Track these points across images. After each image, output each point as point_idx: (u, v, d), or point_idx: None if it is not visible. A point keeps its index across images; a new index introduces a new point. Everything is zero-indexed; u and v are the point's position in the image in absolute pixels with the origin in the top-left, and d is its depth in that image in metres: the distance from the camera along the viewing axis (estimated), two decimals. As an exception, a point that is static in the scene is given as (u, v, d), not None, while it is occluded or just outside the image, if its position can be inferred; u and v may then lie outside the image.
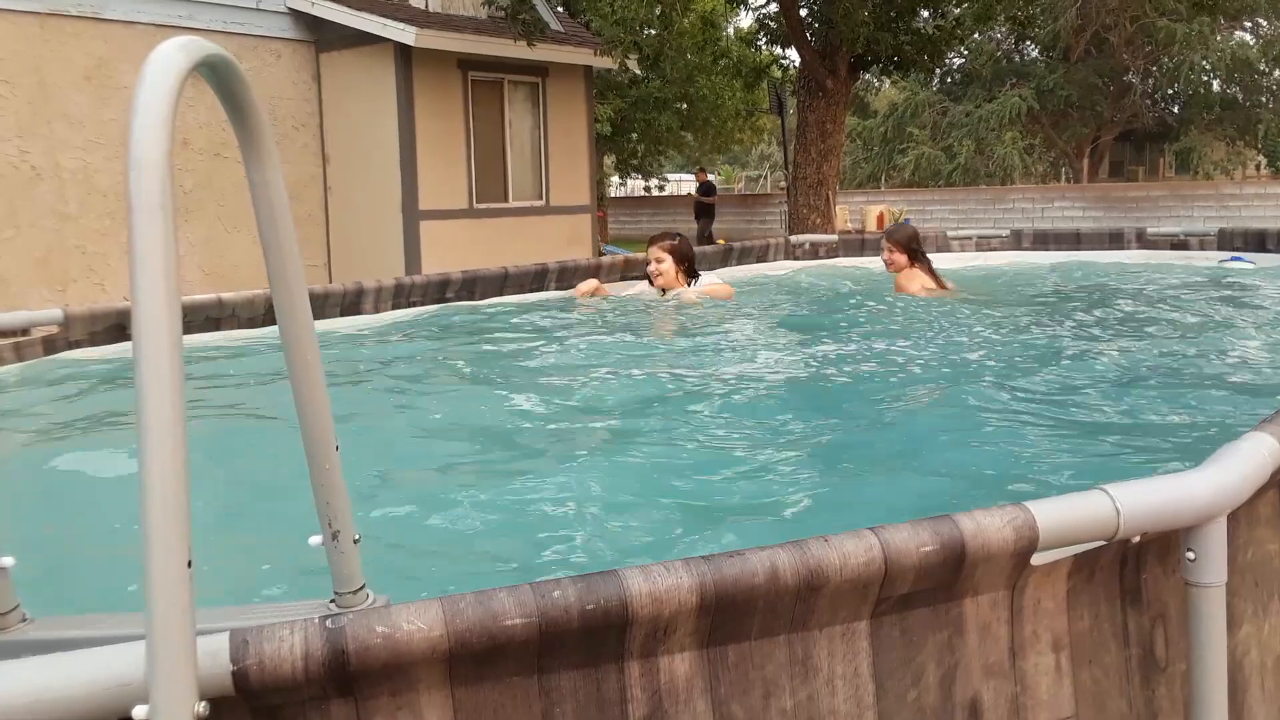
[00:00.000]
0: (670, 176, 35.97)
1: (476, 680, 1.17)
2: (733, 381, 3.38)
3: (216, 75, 1.11)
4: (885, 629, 1.30)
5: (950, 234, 7.16)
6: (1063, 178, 28.63)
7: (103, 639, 1.21)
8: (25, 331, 3.99)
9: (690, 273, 5.36)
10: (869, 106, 29.38)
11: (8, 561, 1.30)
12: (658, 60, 19.02)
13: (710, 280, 5.41)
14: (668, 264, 5.28)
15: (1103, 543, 1.38)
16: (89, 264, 9.52)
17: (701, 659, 1.24)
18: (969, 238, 7.07)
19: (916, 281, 5.57)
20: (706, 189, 21.18)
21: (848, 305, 5.53)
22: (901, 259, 5.65)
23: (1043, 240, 7.02)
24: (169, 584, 0.90)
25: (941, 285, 5.55)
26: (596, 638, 1.18)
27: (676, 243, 5.40)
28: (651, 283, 5.40)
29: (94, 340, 4.11)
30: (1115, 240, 6.90)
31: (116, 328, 4.16)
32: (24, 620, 1.32)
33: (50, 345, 3.99)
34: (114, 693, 1.01)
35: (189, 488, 0.93)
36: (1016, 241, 6.99)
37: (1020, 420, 2.91)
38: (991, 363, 3.77)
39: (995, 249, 6.95)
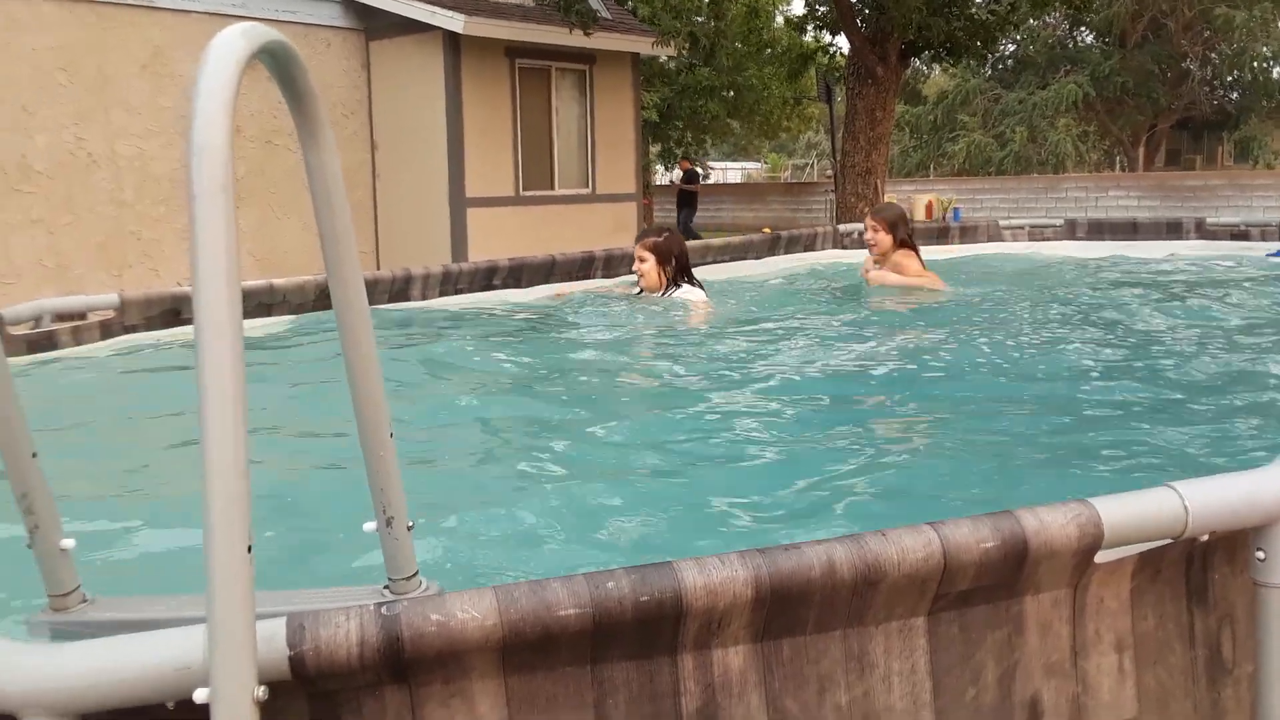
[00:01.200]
0: (714, 165, 35.78)
1: (529, 669, 1.16)
2: (775, 376, 3.35)
3: (276, 61, 1.11)
4: (943, 626, 1.27)
5: (1002, 223, 7.05)
6: (1117, 166, 28.12)
7: (160, 621, 1.23)
8: (83, 316, 4.06)
9: (680, 274, 4.72)
10: (919, 93, 29.02)
11: (68, 543, 1.31)
12: (714, 51, 18.91)
13: (695, 294, 4.72)
14: (649, 264, 4.68)
15: (1169, 541, 1.34)
16: (145, 249, 9.69)
17: (755, 653, 1.22)
18: (1021, 227, 6.95)
19: (914, 262, 5.11)
20: (689, 177, 20.30)
21: (895, 297, 5.45)
22: (886, 240, 5.17)
23: (1098, 230, 6.88)
24: (229, 568, 0.90)
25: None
26: (650, 629, 1.17)
27: (661, 240, 4.75)
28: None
29: (149, 324, 4.17)
30: (1173, 230, 6.75)
31: (171, 312, 4.22)
32: (84, 601, 1.34)
33: (107, 329, 4.06)
34: (174, 675, 1.02)
35: (249, 473, 0.93)
36: (1070, 231, 6.86)
37: (1076, 415, 2.86)
38: (1041, 356, 3.70)
39: (1049, 239, 6.82)
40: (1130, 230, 6.85)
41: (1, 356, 1.27)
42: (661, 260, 4.68)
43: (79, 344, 3.94)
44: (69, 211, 9.21)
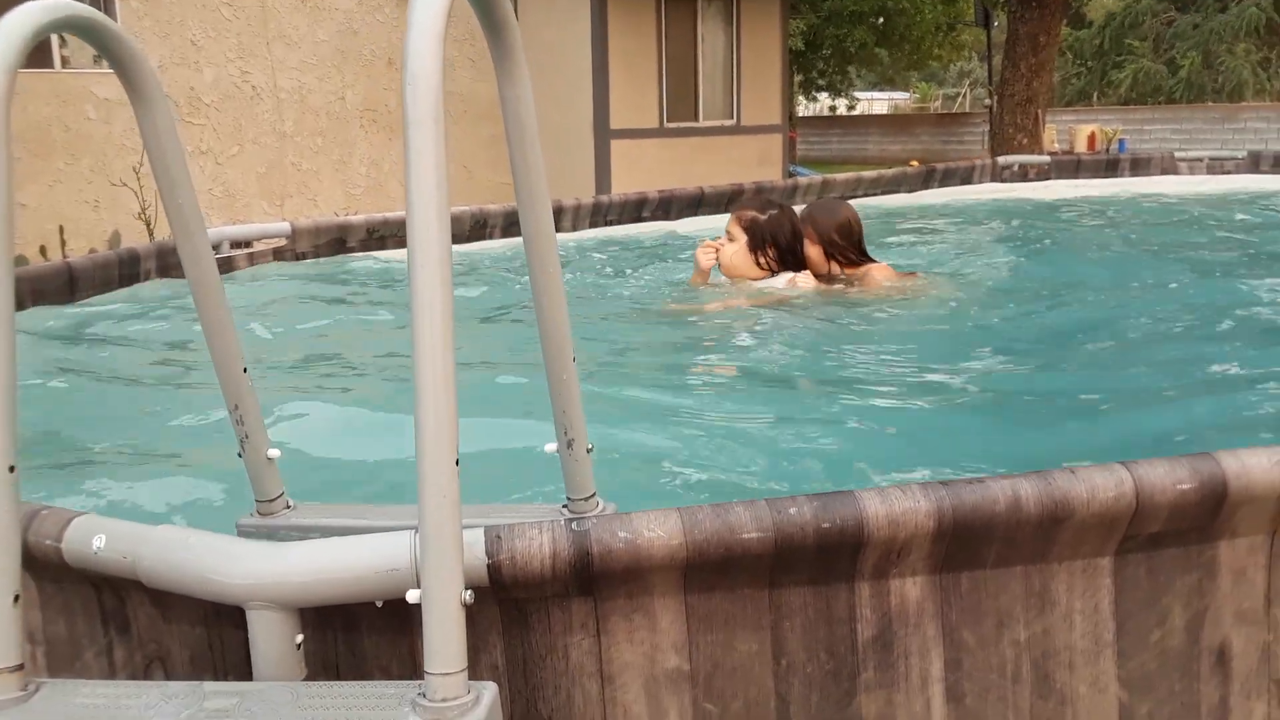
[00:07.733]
0: (859, 95, 34.55)
1: (709, 590, 1.20)
2: (942, 315, 3.27)
3: (477, -10, 1.13)
4: (1130, 567, 1.24)
5: (1178, 155, 6.65)
6: (1301, 95, 26.02)
7: (355, 527, 1.31)
8: (249, 244, 4.29)
9: (784, 261, 3.43)
10: (1082, 16, 27.32)
11: (274, 453, 1.41)
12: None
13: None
14: (738, 245, 3.44)
15: (1379, 490, 1.27)
16: (303, 180, 10.08)
17: (933, 584, 1.22)
18: (1199, 159, 6.54)
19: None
20: None
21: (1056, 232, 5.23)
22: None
23: (1284, 163, 6.41)
24: (441, 480, 0.96)
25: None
26: (830, 556, 1.18)
27: (766, 219, 3.42)
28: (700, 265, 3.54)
29: (317, 253, 4.37)
30: (1370, 164, 6.23)
31: (338, 241, 4.41)
32: (288, 506, 1.44)
33: (279, 256, 4.27)
34: (384, 577, 1.09)
35: (456, 391, 0.98)
36: (1254, 164, 6.41)
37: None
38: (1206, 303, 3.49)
39: (1229, 172, 6.40)
40: (1320, 163, 6.36)
41: (216, 278, 1.36)
42: (757, 243, 3.43)
43: (254, 268, 4.16)
44: (235, 142, 9.64)
